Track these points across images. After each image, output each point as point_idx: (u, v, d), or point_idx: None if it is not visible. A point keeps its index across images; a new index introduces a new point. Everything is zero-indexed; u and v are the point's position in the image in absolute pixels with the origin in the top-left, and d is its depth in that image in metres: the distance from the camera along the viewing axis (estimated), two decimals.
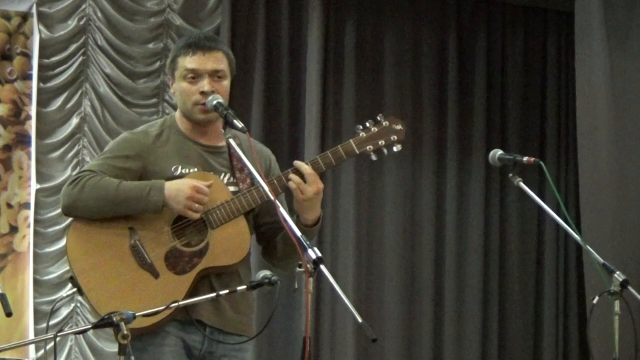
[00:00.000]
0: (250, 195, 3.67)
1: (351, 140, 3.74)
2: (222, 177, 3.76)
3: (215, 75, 3.74)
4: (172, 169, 3.71)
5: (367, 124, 3.77)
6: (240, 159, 3.69)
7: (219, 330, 3.70)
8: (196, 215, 3.62)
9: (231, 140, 3.59)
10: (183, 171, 3.71)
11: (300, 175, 3.67)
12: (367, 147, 3.75)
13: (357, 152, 3.73)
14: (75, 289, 3.65)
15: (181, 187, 3.61)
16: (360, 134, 3.75)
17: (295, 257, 3.66)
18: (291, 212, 3.77)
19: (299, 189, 3.65)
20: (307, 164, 3.70)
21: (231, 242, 3.68)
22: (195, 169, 3.72)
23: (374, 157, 3.77)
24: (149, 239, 3.64)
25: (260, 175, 3.50)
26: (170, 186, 3.62)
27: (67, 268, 3.97)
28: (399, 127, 3.78)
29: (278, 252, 3.83)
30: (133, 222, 3.65)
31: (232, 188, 3.74)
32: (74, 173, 3.79)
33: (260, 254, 3.92)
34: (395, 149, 3.78)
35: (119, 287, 3.59)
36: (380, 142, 3.75)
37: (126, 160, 3.70)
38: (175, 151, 3.74)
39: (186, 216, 3.63)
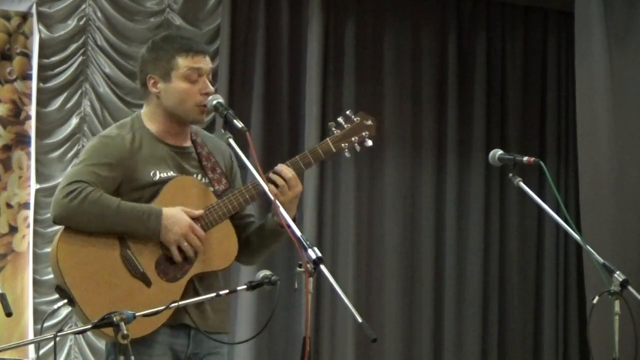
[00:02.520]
0: (235, 198, 3.69)
1: (328, 140, 3.82)
2: (194, 178, 3.77)
3: (208, 76, 3.77)
4: (151, 174, 3.69)
5: (340, 121, 3.84)
6: (209, 157, 3.75)
7: (203, 331, 3.70)
8: (178, 257, 3.62)
9: (231, 141, 3.61)
10: (161, 175, 3.69)
11: (281, 178, 3.71)
12: (343, 145, 3.82)
13: (334, 150, 3.81)
14: (64, 300, 3.60)
15: (179, 222, 3.61)
16: (335, 132, 3.82)
17: (268, 250, 3.84)
18: (265, 212, 3.82)
19: (280, 191, 3.68)
20: (287, 165, 3.74)
21: (220, 246, 3.70)
22: (171, 172, 3.71)
23: (347, 154, 3.85)
24: (139, 248, 3.63)
25: (260, 175, 3.52)
26: (169, 216, 3.61)
27: None
28: (369, 122, 3.87)
29: (253, 245, 3.83)
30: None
31: None
32: (65, 181, 3.69)
33: None
34: (366, 144, 3.85)
35: (113, 297, 3.56)
36: (353, 139, 3.84)
37: (109, 168, 3.66)
38: (150, 155, 3.71)
39: (170, 250, 3.62)
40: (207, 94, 3.72)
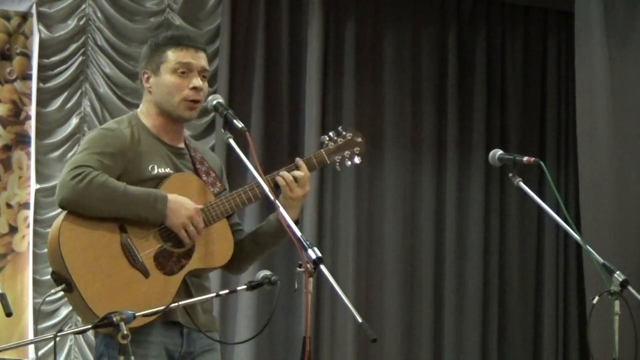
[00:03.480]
0: (232, 198, 3.71)
1: (322, 151, 3.90)
2: None
3: (202, 74, 3.76)
4: (149, 168, 3.69)
5: (332, 135, 3.94)
6: (203, 161, 3.79)
7: (194, 329, 3.71)
8: (187, 239, 3.63)
9: (231, 141, 3.61)
10: (159, 171, 3.70)
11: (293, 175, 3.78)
12: (336, 158, 3.92)
13: (328, 162, 3.91)
14: (60, 287, 3.59)
15: (185, 205, 3.63)
16: (329, 145, 3.92)
17: (261, 256, 3.88)
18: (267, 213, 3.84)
19: (289, 187, 3.73)
20: (282, 171, 3.78)
21: (216, 244, 3.71)
22: (168, 169, 3.72)
23: (338, 168, 3.95)
24: (139, 238, 3.63)
25: (261, 176, 3.53)
26: (174, 199, 3.63)
27: None
28: (359, 139, 3.97)
29: (246, 251, 3.85)
30: (123, 220, 3.63)
31: None
32: (70, 166, 3.69)
33: None
34: (356, 161, 3.96)
35: (112, 285, 3.57)
36: (345, 154, 3.94)
37: (111, 157, 3.66)
38: (148, 150, 3.72)
39: (178, 234, 3.63)
40: (195, 89, 3.71)
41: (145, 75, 3.78)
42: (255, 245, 3.85)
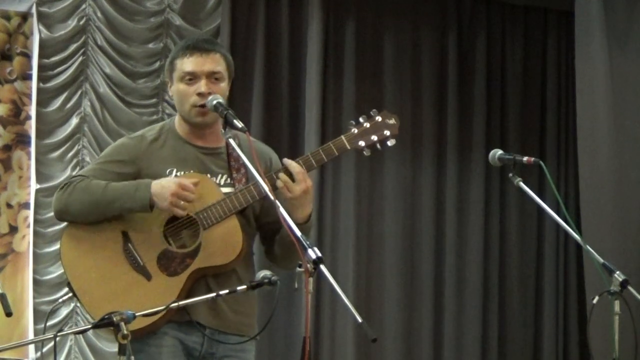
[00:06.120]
0: (241, 194, 3.67)
1: (342, 136, 3.72)
2: (219, 178, 3.76)
3: (212, 76, 3.74)
4: (167, 172, 3.71)
5: (360, 120, 3.76)
6: (238, 158, 3.70)
7: (219, 331, 3.69)
8: (181, 212, 3.61)
9: (231, 140, 3.59)
10: (178, 174, 3.71)
11: (289, 173, 3.63)
12: (360, 143, 3.72)
13: (349, 147, 3.71)
14: (71, 294, 3.66)
15: (166, 184, 3.61)
16: (352, 130, 3.74)
17: (293, 258, 3.67)
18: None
19: (287, 187, 3.62)
20: (297, 161, 3.67)
21: (223, 242, 3.67)
22: (191, 172, 3.72)
23: (367, 153, 3.76)
24: (142, 242, 3.65)
25: (260, 174, 3.49)
26: (157, 183, 3.62)
27: None
28: (392, 121, 3.79)
29: (275, 252, 3.83)
30: (125, 225, 3.65)
31: (229, 189, 3.73)
32: (66, 178, 3.80)
33: (264, 254, 3.92)
34: (389, 143, 3.78)
35: (112, 290, 3.60)
36: (373, 138, 3.74)
37: (121, 165, 3.72)
38: (171, 154, 3.74)
39: (173, 213, 3.62)
40: (202, 95, 3.70)
41: (168, 85, 3.85)
42: (280, 243, 3.80)
